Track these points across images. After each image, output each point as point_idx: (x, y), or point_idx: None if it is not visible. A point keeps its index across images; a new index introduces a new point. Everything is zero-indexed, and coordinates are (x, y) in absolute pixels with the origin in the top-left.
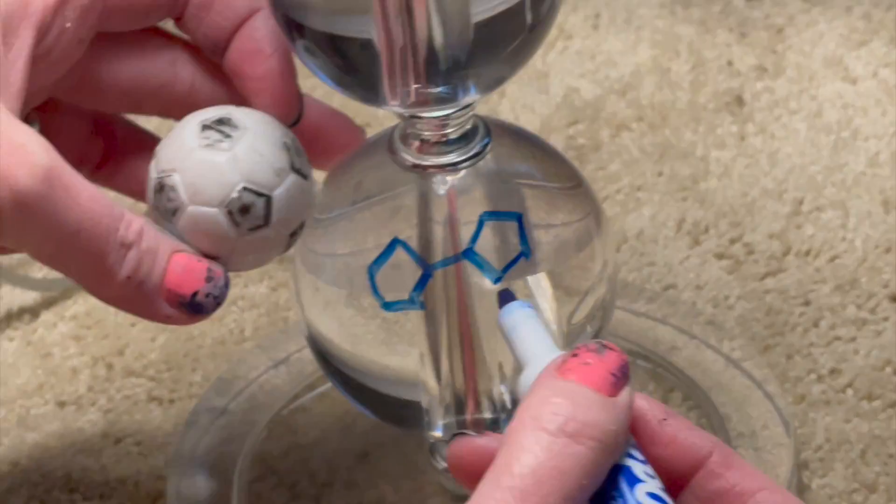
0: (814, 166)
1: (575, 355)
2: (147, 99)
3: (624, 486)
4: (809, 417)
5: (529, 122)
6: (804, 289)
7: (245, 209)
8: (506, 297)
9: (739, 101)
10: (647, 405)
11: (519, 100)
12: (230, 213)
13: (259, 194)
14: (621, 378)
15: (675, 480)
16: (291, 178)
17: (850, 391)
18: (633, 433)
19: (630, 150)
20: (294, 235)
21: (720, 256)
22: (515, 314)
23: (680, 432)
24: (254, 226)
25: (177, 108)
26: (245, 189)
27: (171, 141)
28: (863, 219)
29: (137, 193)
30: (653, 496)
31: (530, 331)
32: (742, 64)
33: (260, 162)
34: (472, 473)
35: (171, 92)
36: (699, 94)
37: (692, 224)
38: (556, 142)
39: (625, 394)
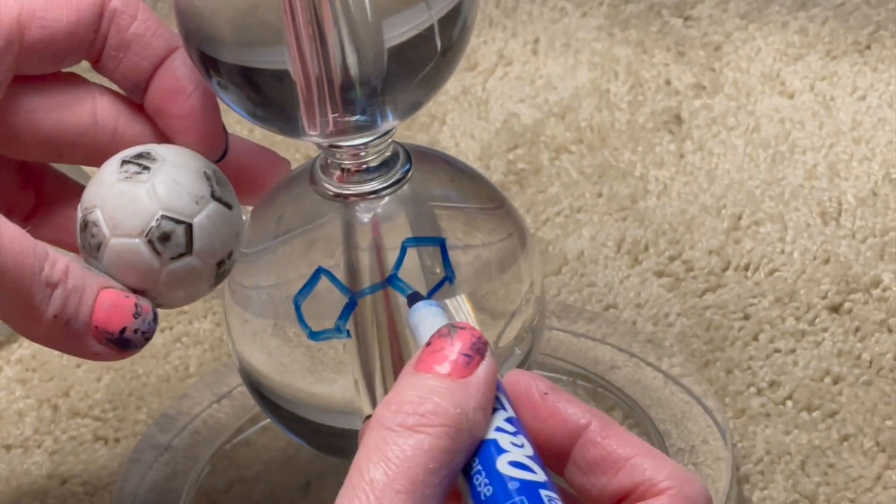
0: (752, 181)
1: (428, 345)
2: (68, 147)
3: (486, 458)
4: (749, 430)
5: (469, 149)
6: (743, 303)
7: (165, 237)
8: (414, 298)
9: (678, 119)
10: (530, 380)
11: (459, 126)
12: (150, 242)
13: (178, 222)
14: (474, 356)
15: (559, 453)
16: (213, 206)
17: (789, 403)
18: (516, 406)
19: (569, 172)
20: (222, 265)
21: (660, 274)
22: (421, 311)
23: (559, 404)
24: (176, 254)
25: (101, 155)
26: (164, 217)
27: (93, 180)
28: (801, 231)
29: (68, 244)
30: (516, 464)
31: (431, 321)
32: (680, 83)
33: (178, 190)
34: None
35: (93, 139)
36: (638, 113)
37: (632, 243)
38: (497, 166)
39: (480, 370)
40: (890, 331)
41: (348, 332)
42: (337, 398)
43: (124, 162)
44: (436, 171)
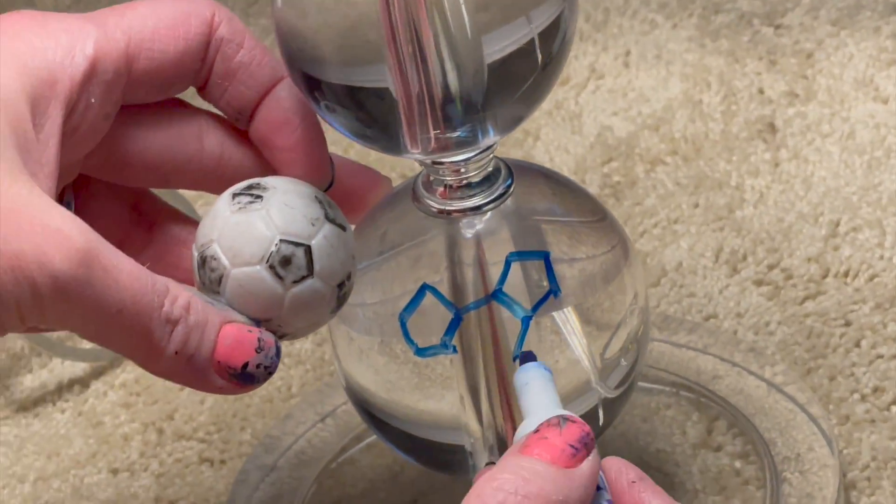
0: (848, 187)
1: (537, 431)
2: (176, 172)
3: None
4: (854, 437)
5: (564, 163)
6: (844, 310)
7: (286, 261)
8: (525, 358)
9: (772, 127)
10: (622, 467)
11: (553, 141)
12: (272, 267)
13: (297, 244)
14: (581, 449)
15: None
16: (328, 227)
17: (894, 409)
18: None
19: (665, 183)
20: (342, 287)
21: (759, 283)
22: (531, 373)
23: (645, 494)
24: (298, 277)
25: (207, 181)
26: (283, 241)
27: (206, 217)
28: None
29: (181, 282)
30: None
31: (539, 387)
32: (773, 91)
33: (293, 214)
34: None
35: (199, 164)
36: (731, 123)
37: (730, 253)
38: (592, 180)
39: (585, 465)
40: None
41: (454, 347)
42: (444, 414)
43: (235, 195)
44: (537, 185)
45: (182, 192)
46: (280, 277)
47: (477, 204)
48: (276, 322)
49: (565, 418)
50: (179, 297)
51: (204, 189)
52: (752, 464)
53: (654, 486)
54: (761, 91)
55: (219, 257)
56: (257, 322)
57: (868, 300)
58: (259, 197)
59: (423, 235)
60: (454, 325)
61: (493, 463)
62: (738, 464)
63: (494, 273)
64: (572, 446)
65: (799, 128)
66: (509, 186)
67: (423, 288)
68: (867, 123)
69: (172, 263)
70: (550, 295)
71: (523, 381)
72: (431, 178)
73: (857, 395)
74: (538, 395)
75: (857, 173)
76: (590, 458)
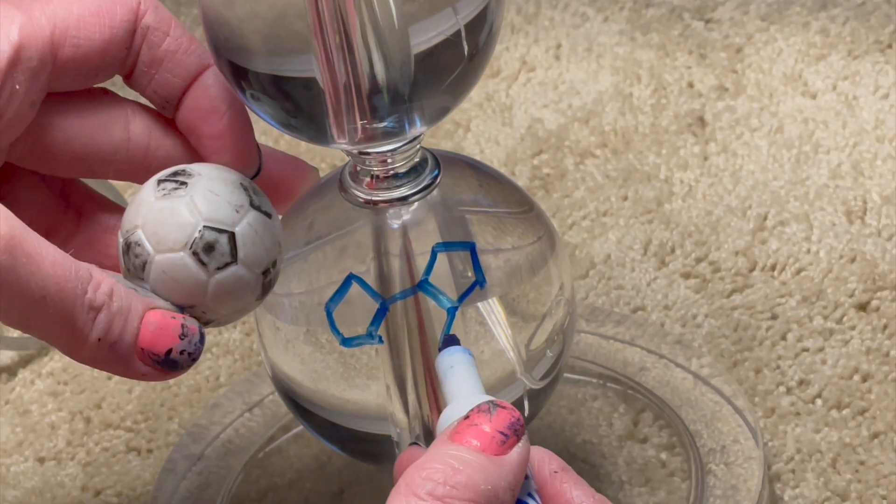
0: (776, 181)
1: (467, 418)
2: (102, 162)
3: None
4: (780, 429)
5: (494, 155)
6: (771, 303)
7: (209, 248)
8: (448, 342)
9: (701, 121)
10: (544, 456)
11: (483, 133)
12: (195, 254)
13: (221, 231)
14: (511, 436)
15: None
16: (253, 215)
17: (819, 401)
18: None
19: (594, 176)
20: (267, 275)
21: (687, 276)
22: (454, 357)
23: (566, 485)
24: (222, 264)
25: (134, 171)
26: (206, 228)
27: (132, 204)
28: (826, 230)
29: (109, 268)
30: None
31: (463, 372)
32: (702, 85)
33: (217, 201)
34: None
35: (126, 153)
36: (661, 117)
37: (658, 245)
38: (522, 172)
39: (514, 451)
40: None
41: (380, 337)
42: (370, 404)
43: (160, 181)
44: (464, 176)
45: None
46: (203, 264)
47: (404, 194)
48: (200, 308)
49: (495, 404)
50: (103, 283)
51: (131, 179)
52: (678, 455)
53: (577, 477)
54: (691, 85)
55: (143, 243)
56: (181, 309)
57: (794, 294)
58: (184, 183)
59: (350, 226)
60: (380, 315)
61: (417, 443)
62: (663, 455)
63: (421, 263)
64: (502, 433)
65: (728, 122)
66: (436, 177)
67: (350, 278)
68: (795, 118)
69: (101, 251)
70: (476, 286)
71: (447, 365)
72: (358, 169)
73: (782, 388)
74: (462, 380)
75: (785, 167)
76: (519, 445)
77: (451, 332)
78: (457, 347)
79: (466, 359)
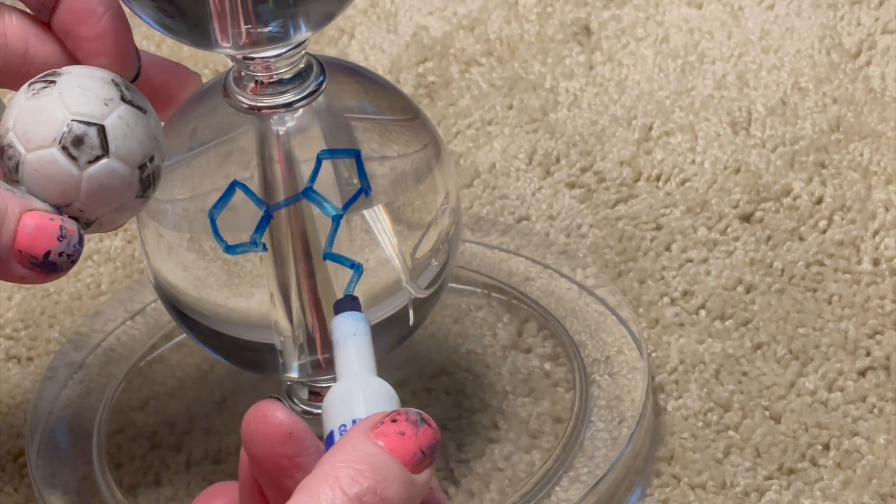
0: (662, 91)
1: (394, 420)
2: None
3: None
4: (663, 340)
5: (379, 62)
6: (655, 213)
7: (79, 141)
8: (347, 304)
9: (587, 30)
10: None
11: (368, 40)
12: (65, 148)
13: (90, 124)
14: (428, 457)
15: None
16: (124, 108)
17: (702, 312)
18: None
19: (479, 84)
20: (144, 169)
21: (572, 186)
22: (356, 324)
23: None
24: (93, 157)
25: (11, 77)
26: (74, 121)
27: (6, 109)
28: (711, 141)
29: None
30: None
31: (357, 346)
32: None
33: (86, 95)
34: (262, 441)
35: (3, 60)
36: (546, 25)
37: (543, 155)
38: (407, 80)
39: (425, 474)
40: (801, 239)
41: (264, 245)
42: (253, 312)
43: (32, 83)
44: (350, 82)
45: None
46: (74, 158)
47: (288, 101)
48: (77, 207)
49: (423, 419)
50: None
51: (9, 86)
52: (562, 366)
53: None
54: None
55: (14, 144)
56: (59, 210)
57: (679, 204)
58: (52, 82)
59: (234, 131)
60: (264, 222)
61: (272, 397)
62: (547, 366)
63: (305, 171)
64: (423, 452)
65: (614, 31)
66: (321, 84)
67: (233, 185)
68: (681, 28)
69: None
70: (361, 193)
71: (349, 332)
72: (242, 74)
73: (666, 299)
74: (360, 354)
75: (671, 78)
76: (431, 467)
77: (337, 243)
78: (357, 314)
79: (365, 329)
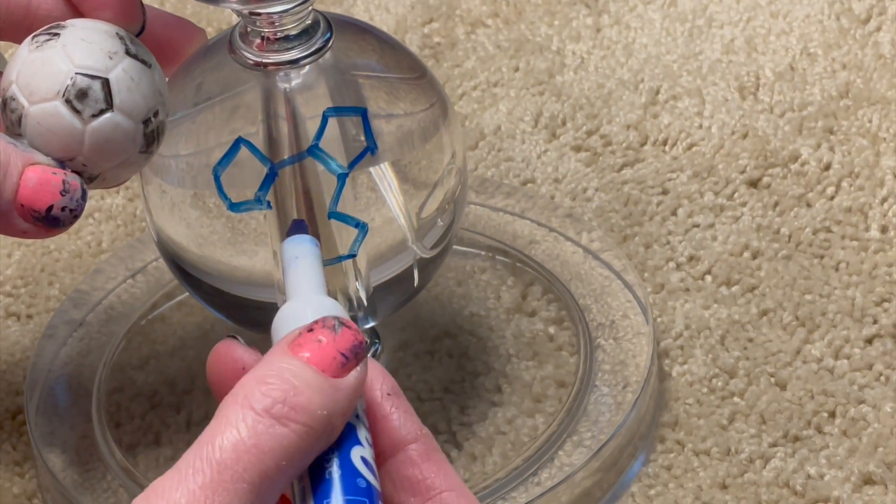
0: (669, 55)
1: (311, 330)
2: None
3: (343, 444)
4: (669, 305)
5: (384, 22)
6: (662, 178)
7: (82, 94)
8: (296, 228)
9: None
10: (378, 376)
11: (373, 0)
12: (68, 101)
13: (94, 77)
14: (352, 359)
15: (376, 456)
16: (128, 62)
17: (708, 278)
18: None
19: (486, 46)
20: (148, 124)
21: (578, 149)
22: (300, 247)
23: (396, 412)
24: (97, 111)
25: (14, 30)
26: (78, 74)
27: (9, 63)
28: (719, 106)
29: None
30: (365, 462)
31: (306, 266)
32: None
33: (90, 48)
34: (222, 380)
35: (7, 13)
36: None
37: (549, 118)
38: (412, 40)
39: (352, 376)
40: (808, 205)
41: (269, 203)
42: (257, 270)
43: (35, 36)
44: (357, 40)
45: None
46: (77, 111)
47: (294, 57)
48: (80, 161)
49: (341, 322)
50: None
51: (12, 39)
52: (567, 330)
53: (407, 404)
54: None
55: (17, 97)
56: (62, 164)
57: (686, 169)
58: (56, 35)
59: (239, 87)
60: (269, 180)
61: (232, 337)
62: (552, 329)
63: (311, 128)
64: (343, 355)
65: None
66: (328, 40)
67: (238, 141)
68: None
69: None
70: (367, 152)
71: (292, 255)
72: (248, 30)
73: (672, 264)
74: (306, 275)
75: (678, 41)
76: (358, 369)
77: (342, 201)
78: (304, 237)
79: (313, 250)
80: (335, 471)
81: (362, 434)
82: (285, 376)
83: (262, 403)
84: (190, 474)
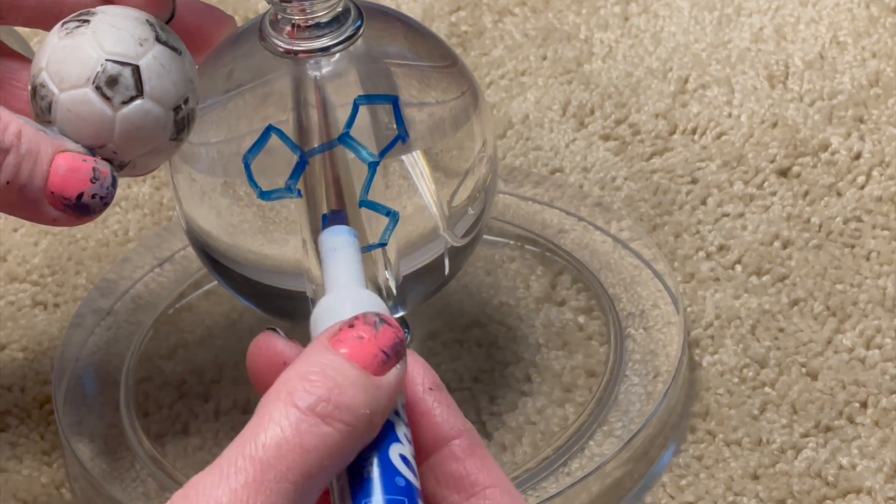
0: (698, 44)
1: (351, 326)
2: (12, 7)
3: (382, 442)
4: (699, 295)
5: (411, 11)
6: (691, 167)
7: (113, 81)
8: (335, 219)
9: None
10: (420, 371)
11: None
12: (99, 88)
13: (124, 64)
14: (392, 357)
15: (418, 451)
16: (159, 49)
17: (738, 267)
18: None
19: (513, 34)
20: (178, 111)
21: (606, 138)
22: (339, 237)
23: (438, 407)
24: (127, 98)
25: (43, 17)
26: (109, 61)
27: (39, 49)
28: (748, 94)
29: None
30: (404, 459)
31: (345, 259)
32: None
33: (120, 35)
34: (263, 374)
35: (35, 0)
36: None
37: (577, 107)
38: (439, 29)
39: (392, 374)
40: (839, 194)
41: (299, 191)
42: (287, 259)
43: (65, 23)
44: (388, 27)
45: (19, 29)
46: (108, 98)
47: (325, 45)
48: (110, 149)
49: (382, 319)
50: (10, 124)
51: (41, 26)
52: (596, 319)
53: (450, 399)
54: None
55: (47, 84)
56: (92, 151)
57: (715, 158)
58: (86, 21)
59: (270, 75)
60: (299, 168)
61: (271, 329)
62: (581, 319)
63: (342, 116)
64: (384, 353)
65: None
66: (359, 28)
67: (269, 129)
68: None
69: (13, 107)
70: (398, 140)
71: (331, 246)
72: (279, 17)
73: (702, 253)
74: (345, 267)
75: (707, 30)
76: (398, 366)
77: (373, 189)
78: (343, 227)
79: (352, 241)
80: (374, 469)
81: (401, 431)
82: (328, 373)
83: (305, 401)
84: (232, 472)
